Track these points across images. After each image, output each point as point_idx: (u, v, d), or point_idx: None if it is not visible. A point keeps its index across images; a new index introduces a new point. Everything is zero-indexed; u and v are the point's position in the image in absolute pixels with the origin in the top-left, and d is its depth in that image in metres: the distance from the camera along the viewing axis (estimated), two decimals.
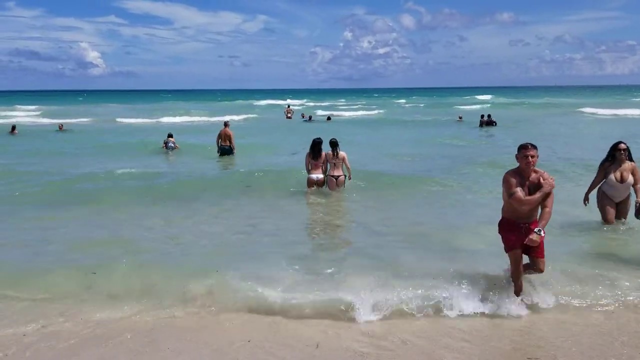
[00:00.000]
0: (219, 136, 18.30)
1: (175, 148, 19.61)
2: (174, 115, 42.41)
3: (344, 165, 11.35)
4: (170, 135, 20.05)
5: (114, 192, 11.85)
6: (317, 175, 11.38)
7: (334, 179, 11.32)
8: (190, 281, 6.10)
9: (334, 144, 11.30)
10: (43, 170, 15.09)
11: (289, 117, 39.46)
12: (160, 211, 10.14)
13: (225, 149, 18.17)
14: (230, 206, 10.55)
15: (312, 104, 65.80)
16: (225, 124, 18.77)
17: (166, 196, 11.40)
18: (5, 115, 42.04)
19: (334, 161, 11.33)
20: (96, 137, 25.33)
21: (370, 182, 12.40)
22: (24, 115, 44.64)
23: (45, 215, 9.83)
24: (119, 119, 39.36)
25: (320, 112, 39.43)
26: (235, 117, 37.27)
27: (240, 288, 5.91)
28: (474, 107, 51.40)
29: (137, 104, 69.10)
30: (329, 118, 35.31)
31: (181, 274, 6.35)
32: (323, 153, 11.39)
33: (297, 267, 6.61)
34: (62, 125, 28.84)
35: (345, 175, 11.40)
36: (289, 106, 43.74)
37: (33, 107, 56.72)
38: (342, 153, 11.34)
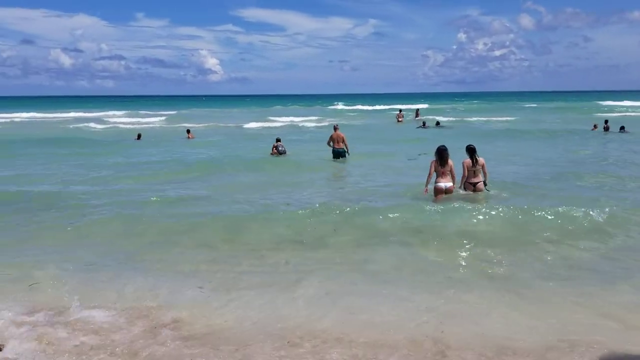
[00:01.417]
0: (331, 139, 18.20)
1: (284, 153, 19.49)
2: (283, 118, 43.46)
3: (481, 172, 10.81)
4: (278, 140, 20.03)
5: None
6: (446, 183, 10.71)
7: (472, 186, 10.75)
8: None
9: (472, 150, 10.73)
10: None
11: (400, 121, 39.01)
12: None
13: (339, 152, 18.03)
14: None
15: (422, 106, 63.67)
16: (335, 127, 18.67)
17: None
18: (134, 122, 44.69)
19: (473, 168, 10.76)
20: (229, 145, 25.64)
21: (513, 192, 11.43)
22: (153, 120, 47.01)
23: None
24: (245, 125, 40.05)
25: (439, 118, 37.73)
26: (344, 122, 37.24)
27: None
28: (612, 114, 42.72)
29: (252, 108, 72.10)
30: (437, 123, 34.03)
31: None
32: (450, 160, 10.77)
33: None
34: (189, 131, 29.18)
35: (483, 182, 10.83)
36: (400, 111, 43.04)
37: (159, 112, 60.73)
38: (481, 159, 10.78)
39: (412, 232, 8.63)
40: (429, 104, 72.58)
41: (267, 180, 14.09)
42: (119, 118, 46.13)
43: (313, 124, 40.68)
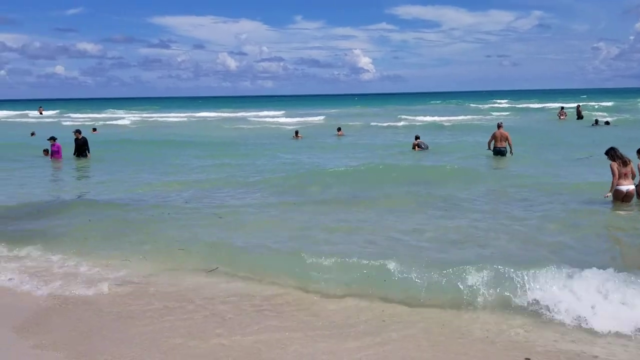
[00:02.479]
0: (493, 137, 17.46)
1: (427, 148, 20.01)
2: (428, 117, 42.30)
3: None
4: (417, 137, 20.61)
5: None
6: (628, 186, 9.53)
7: None
8: None
9: None
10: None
11: (562, 119, 36.82)
12: None
13: (501, 150, 17.23)
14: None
15: (607, 103, 57.28)
16: (499, 125, 17.79)
17: None
18: (293, 122, 46.65)
19: None
20: (373, 142, 26.24)
21: None
22: (312, 119, 48.73)
23: None
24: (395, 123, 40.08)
25: (611, 117, 33.91)
26: (503, 118, 35.12)
27: None
28: None
29: (403, 106, 71.62)
30: (607, 122, 30.53)
31: None
32: (630, 161, 9.54)
33: None
34: (340, 129, 29.87)
35: None
36: (562, 108, 40.29)
37: (314, 110, 62.97)
38: None
39: None
40: (601, 100, 65.50)
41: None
42: (278, 118, 48.35)
43: (467, 122, 39.07)
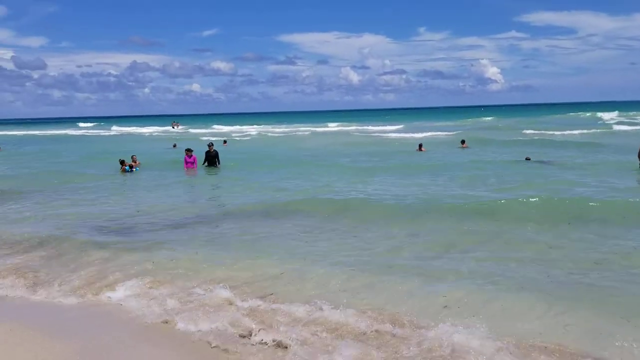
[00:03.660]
0: None
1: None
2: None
3: None
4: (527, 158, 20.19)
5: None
6: None
7: None
8: None
9: None
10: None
11: None
12: None
13: None
14: None
15: None
16: None
17: None
18: (417, 136, 46.09)
19: None
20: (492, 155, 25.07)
21: None
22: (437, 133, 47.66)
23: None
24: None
25: None
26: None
27: None
28: None
29: (534, 117, 67.60)
30: None
31: None
32: None
33: None
34: (464, 141, 29.40)
35: None
36: None
37: (441, 123, 61.51)
38: None
39: None
40: None
41: None
42: (402, 134, 47.84)
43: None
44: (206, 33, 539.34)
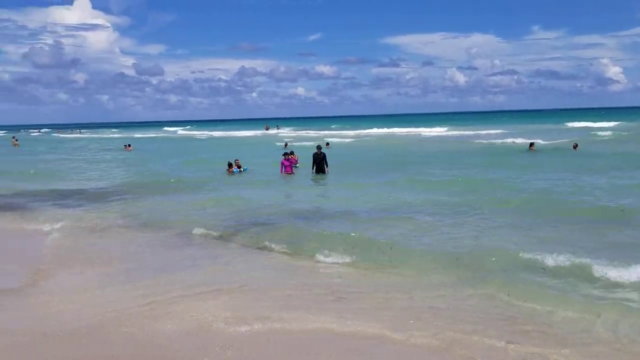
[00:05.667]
0: None
1: None
2: None
3: None
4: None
5: None
6: None
7: None
8: None
9: None
10: None
11: None
12: None
13: None
14: None
15: None
16: None
17: None
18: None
19: None
20: None
21: None
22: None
23: None
24: None
25: None
26: None
27: None
28: None
29: None
30: None
31: None
32: None
33: None
34: (576, 146, 27.40)
35: None
36: None
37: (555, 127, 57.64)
38: None
39: None
40: None
41: None
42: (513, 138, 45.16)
43: None
44: (311, 38, 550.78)
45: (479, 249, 8.61)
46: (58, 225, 11.73)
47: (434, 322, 5.83)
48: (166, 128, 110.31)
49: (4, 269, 8.55)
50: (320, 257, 8.66)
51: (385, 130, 65.24)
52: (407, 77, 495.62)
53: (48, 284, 7.82)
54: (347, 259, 8.53)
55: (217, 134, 72.67)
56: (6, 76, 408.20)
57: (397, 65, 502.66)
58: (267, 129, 79.04)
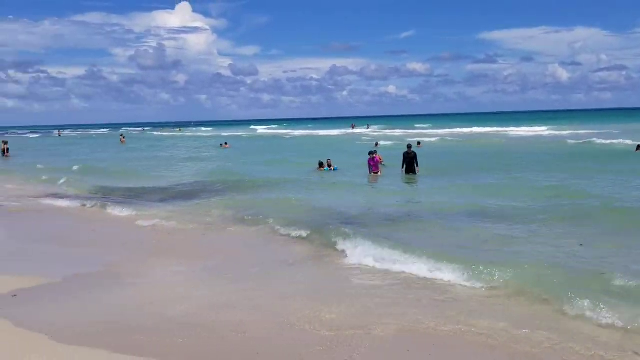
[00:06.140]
0: None
1: None
2: None
3: None
4: None
5: None
6: None
7: None
8: None
9: None
10: None
11: None
12: None
13: None
14: None
15: None
16: None
17: None
18: None
19: None
20: None
21: None
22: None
23: None
24: None
25: None
26: None
27: None
28: None
29: None
30: None
31: None
32: None
33: None
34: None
35: None
36: None
37: None
38: None
39: None
40: None
41: None
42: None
43: None
44: (403, 35, 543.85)
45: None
46: (161, 219, 12.44)
47: None
48: (253, 127, 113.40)
49: (110, 259, 9.05)
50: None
51: (479, 129, 62.91)
52: (505, 73, 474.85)
53: (152, 272, 8.25)
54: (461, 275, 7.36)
55: (300, 132, 73.58)
56: (115, 77, 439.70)
57: (493, 62, 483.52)
58: (353, 128, 79.00)
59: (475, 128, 65.15)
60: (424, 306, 6.43)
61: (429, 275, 7.56)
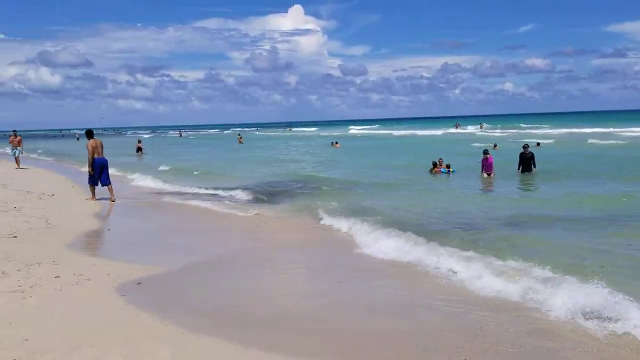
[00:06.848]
0: None
1: None
2: None
3: None
4: None
5: None
6: None
7: None
8: None
9: None
10: None
11: None
12: None
13: None
14: None
15: None
16: None
17: None
18: None
19: None
20: None
21: None
22: None
23: None
24: None
25: None
26: None
27: None
28: None
29: None
30: None
31: None
32: None
33: None
34: None
35: None
36: None
37: None
38: None
39: None
40: None
41: None
42: None
43: None
44: (522, 29, 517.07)
45: None
46: (281, 217, 12.95)
47: None
48: (351, 127, 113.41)
49: (228, 252, 9.45)
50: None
51: (606, 129, 57.85)
52: (636, 68, 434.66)
53: (271, 263, 8.63)
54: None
55: (398, 132, 72.43)
56: (231, 80, 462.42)
57: (623, 56, 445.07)
58: (457, 127, 76.14)
59: (606, 128, 59.18)
60: None
61: None
